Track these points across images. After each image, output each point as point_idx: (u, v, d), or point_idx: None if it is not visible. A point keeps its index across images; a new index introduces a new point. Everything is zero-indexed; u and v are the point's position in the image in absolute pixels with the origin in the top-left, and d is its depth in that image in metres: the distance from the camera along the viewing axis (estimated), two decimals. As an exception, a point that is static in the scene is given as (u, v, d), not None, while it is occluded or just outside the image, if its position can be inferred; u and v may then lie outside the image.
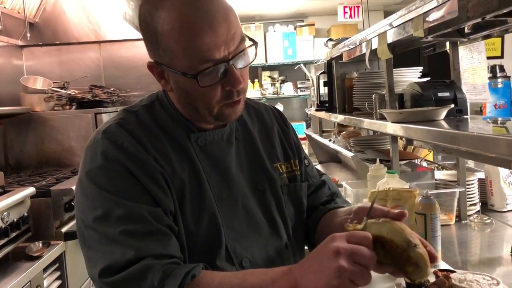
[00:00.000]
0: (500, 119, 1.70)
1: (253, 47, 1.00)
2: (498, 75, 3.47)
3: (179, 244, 0.98)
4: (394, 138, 1.94)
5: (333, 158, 3.09)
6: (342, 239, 0.81)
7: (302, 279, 0.82)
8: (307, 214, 1.20)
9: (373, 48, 1.89)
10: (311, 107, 4.10)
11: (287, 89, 5.89)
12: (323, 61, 3.02)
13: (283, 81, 5.93)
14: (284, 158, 1.19)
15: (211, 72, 0.95)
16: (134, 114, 1.07)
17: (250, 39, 1.00)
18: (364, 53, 2.03)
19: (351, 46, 2.29)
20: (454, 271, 1.21)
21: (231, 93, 0.99)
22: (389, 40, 1.69)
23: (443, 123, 1.52)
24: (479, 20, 1.31)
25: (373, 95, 1.99)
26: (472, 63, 1.85)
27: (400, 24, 1.54)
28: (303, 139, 4.19)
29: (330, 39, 2.86)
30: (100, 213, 0.94)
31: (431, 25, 1.32)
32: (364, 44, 2.03)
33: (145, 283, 0.87)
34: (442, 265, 1.38)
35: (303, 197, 1.18)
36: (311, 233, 1.20)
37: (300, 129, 5.26)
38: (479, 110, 3.15)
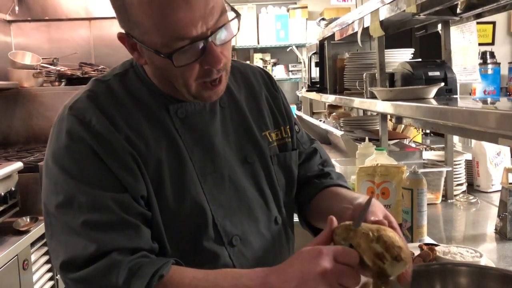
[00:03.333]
0: (489, 99, 1.71)
1: (236, 20, 0.89)
2: (489, 61, 3.49)
3: (155, 229, 0.92)
4: (383, 117, 1.95)
5: (323, 139, 3.09)
6: (330, 257, 0.76)
7: None
8: (297, 184, 1.15)
9: (365, 26, 1.89)
10: (302, 89, 4.10)
11: (279, 72, 5.86)
12: (316, 41, 3.01)
13: (274, 64, 5.90)
14: (273, 125, 1.11)
15: (187, 51, 0.85)
16: (105, 84, 0.97)
17: (233, 10, 0.90)
18: (356, 32, 2.02)
19: (344, 25, 2.28)
20: (438, 245, 1.23)
21: (210, 72, 0.90)
22: (382, 17, 1.68)
23: (433, 101, 1.53)
24: (471, -5, 1.31)
25: (364, 74, 1.99)
26: (463, 44, 1.86)
27: (393, 1, 1.53)
28: (294, 121, 4.18)
29: (323, 19, 2.85)
30: (62, 199, 0.87)
31: (424, 0, 1.31)
32: (356, 22, 2.02)
33: (110, 282, 0.82)
34: (427, 240, 1.40)
35: (293, 166, 1.12)
36: (303, 208, 1.14)
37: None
38: (469, 95, 3.18)
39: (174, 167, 0.95)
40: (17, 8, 3.30)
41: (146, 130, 0.94)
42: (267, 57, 5.92)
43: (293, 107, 5.48)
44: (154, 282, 0.82)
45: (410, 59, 2.20)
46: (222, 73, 0.93)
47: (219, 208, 0.98)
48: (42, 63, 3.32)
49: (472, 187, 2.09)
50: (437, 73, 1.73)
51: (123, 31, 0.91)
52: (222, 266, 0.96)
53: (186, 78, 0.90)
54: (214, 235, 0.97)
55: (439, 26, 1.91)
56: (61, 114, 0.95)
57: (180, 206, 0.94)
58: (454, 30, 1.87)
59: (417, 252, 1.19)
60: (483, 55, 3.63)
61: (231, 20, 0.89)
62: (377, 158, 1.58)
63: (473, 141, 2.36)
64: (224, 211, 0.98)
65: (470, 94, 3.27)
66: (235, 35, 0.91)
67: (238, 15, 0.90)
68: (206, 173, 0.98)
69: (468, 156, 2.12)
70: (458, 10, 1.68)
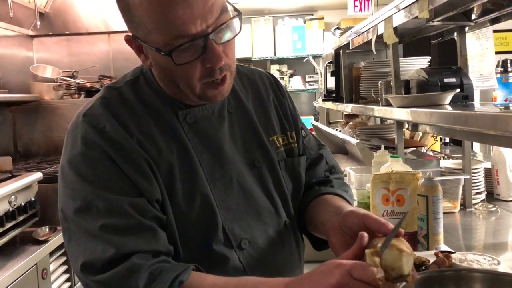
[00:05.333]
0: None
1: (237, 18, 0.90)
2: (509, 69, 3.43)
3: (169, 232, 0.93)
4: (399, 125, 1.93)
5: (340, 149, 3.07)
6: (346, 271, 0.75)
7: None
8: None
9: (379, 33, 1.88)
10: (319, 99, 4.09)
11: (296, 83, 5.87)
12: (332, 50, 3.01)
13: (291, 75, 5.91)
14: (280, 130, 1.12)
15: (187, 49, 0.86)
16: (117, 91, 0.99)
17: (235, 9, 0.91)
18: (371, 39, 2.02)
19: (358, 33, 2.27)
20: (454, 252, 1.20)
21: (213, 71, 0.90)
22: (395, 24, 1.67)
23: (448, 107, 1.51)
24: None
25: (379, 82, 1.97)
26: (480, 50, 1.84)
27: (406, 7, 1.53)
28: (311, 130, 4.18)
29: (338, 28, 2.85)
30: (80, 205, 0.89)
31: (437, 5, 1.30)
32: (371, 30, 2.02)
33: (131, 286, 0.83)
34: (443, 248, 1.37)
35: (301, 171, 1.12)
36: (301, 214, 1.13)
37: (308, 123, 5.23)
38: (490, 102, 3.13)
39: (184, 172, 0.96)
40: (38, 23, 3.39)
41: (157, 136, 0.96)
42: (284, 68, 5.94)
43: (310, 118, 5.46)
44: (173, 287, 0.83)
45: (428, 67, 2.18)
46: (226, 73, 0.93)
47: (228, 212, 0.98)
48: (62, 76, 3.39)
49: (491, 196, 2.04)
50: (453, 80, 1.71)
51: (130, 34, 0.93)
52: (232, 269, 0.97)
53: (189, 77, 0.91)
54: (223, 238, 0.97)
55: (455, 34, 1.89)
56: (75, 121, 0.97)
57: (190, 210, 0.95)
58: (470, 37, 1.85)
59: (432, 259, 1.16)
60: (503, 63, 3.57)
61: (231, 18, 0.89)
62: (392, 165, 1.56)
63: (493, 149, 2.31)
64: (232, 215, 0.99)
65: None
66: (237, 34, 0.91)
67: (239, 14, 0.90)
68: (216, 178, 0.99)
69: (487, 164, 2.08)
70: (473, 16, 1.67)
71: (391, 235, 0.80)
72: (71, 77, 3.48)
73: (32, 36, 3.74)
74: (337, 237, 0.92)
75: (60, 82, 3.32)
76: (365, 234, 0.82)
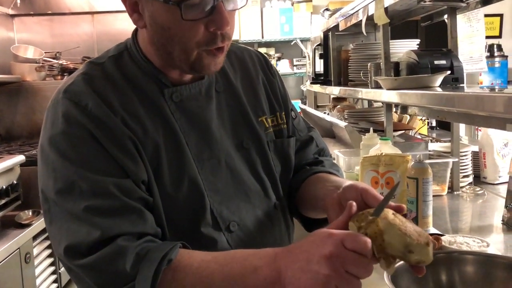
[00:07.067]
0: (497, 87, 1.67)
1: None
2: (496, 54, 3.44)
3: (156, 214, 0.90)
4: (388, 107, 1.91)
5: (328, 133, 3.06)
6: (338, 241, 0.72)
7: (286, 270, 0.75)
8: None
9: (369, 14, 1.85)
10: (307, 83, 4.07)
11: (283, 67, 5.81)
12: (321, 33, 2.97)
13: (279, 58, 5.85)
14: (269, 111, 1.09)
15: (197, 5, 0.83)
16: (100, 66, 0.94)
17: None
18: (361, 21, 1.99)
19: (348, 15, 2.24)
20: (444, 235, 1.20)
21: (215, 37, 0.88)
22: (386, 4, 1.65)
23: (438, 89, 1.49)
24: (478, -21, 1.27)
25: (369, 64, 1.95)
26: (470, 32, 1.82)
27: (397, -14, 1.50)
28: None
29: (327, 9, 2.81)
30: (62, 185, 0.85)
31: (429, -16, 1.28)
32: (361, 11, 1.99)
33: (117, 268, 0.81)
34: (432, 231, 1.37)
35: (291, 153, 1.09)
36: (292, 195, 1.11)
37: (295, 106, 5.19)
38: (476, 85, 3.14)
39: (171, 152, 0.93)
40: (19, 2, 3.29)
41: (142, 114, 0.92)
42: (272, 51, 5.88)
43: (298, 102, 5.44)
44: (163, 266, 0.80)
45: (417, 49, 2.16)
46: (226, 43, 0.91)
47: (216, 194, 0.96)
48: (44, 57, 3.32)
49: (478, 179, 2.05)
50: (443, 62, 1.70)
51: None
52: (221, 251, 0.94)
53: (188, 39, 0.87)
54: (211, 221, 0.95)
55: (445, 16, 1.87)
56: (55, 98, 0.92)
57: (177, 192, 0.92)
58: (460, 19, 1.83)
59: (422, 242, 1.15)
60: (490, 48, 3.58)
61: None
62: (381, 148, 1.55)
63: (480, 133, 2.32)
64: (220, 197, 0.97)
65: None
66: (244, 6, 0.90)
67: None
68: (203, 159, 0.96)
69: (475, 148, 2.08)
70: (465, -3, 1.65)
71: (382, 204, 0.77)
72: (53, 58, 3.40)
73: (13, 16, 3.64)
74: (336, 212, 0.89)
75: (42, 63, 3.24)
76: (354, 204, 0.80)
